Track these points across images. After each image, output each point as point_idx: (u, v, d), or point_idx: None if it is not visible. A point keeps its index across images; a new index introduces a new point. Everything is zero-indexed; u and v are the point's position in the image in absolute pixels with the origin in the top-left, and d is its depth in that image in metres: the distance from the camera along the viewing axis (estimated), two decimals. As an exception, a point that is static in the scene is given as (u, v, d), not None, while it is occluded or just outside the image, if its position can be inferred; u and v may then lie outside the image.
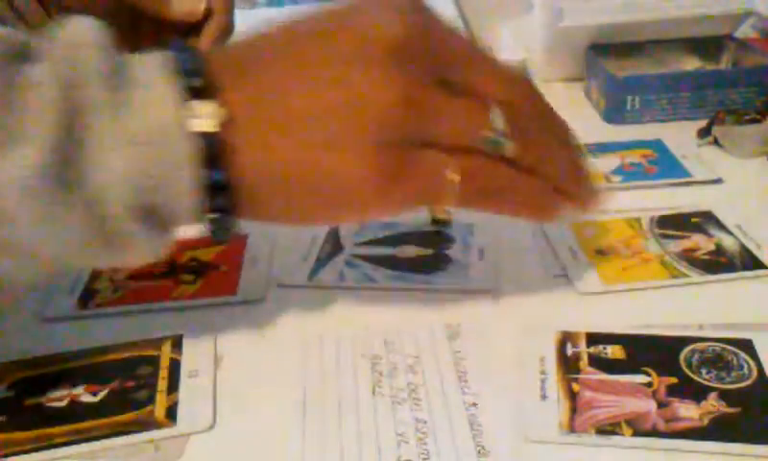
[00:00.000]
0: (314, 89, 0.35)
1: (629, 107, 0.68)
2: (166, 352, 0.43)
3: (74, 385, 0.41)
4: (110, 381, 0.41)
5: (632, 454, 0.35)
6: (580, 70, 0.76)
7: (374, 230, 0.54)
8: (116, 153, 0.33)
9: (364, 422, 0.37)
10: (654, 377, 0.38)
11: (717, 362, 0.39)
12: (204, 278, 0.50)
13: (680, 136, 0.64)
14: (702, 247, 0.49)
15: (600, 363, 0.39)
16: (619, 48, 0.74)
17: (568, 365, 0.40)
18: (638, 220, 0.52)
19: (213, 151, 0.34)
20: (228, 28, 0.56)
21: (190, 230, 0.37)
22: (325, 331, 0.43)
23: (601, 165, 0.60)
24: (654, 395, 0.37)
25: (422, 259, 0.50)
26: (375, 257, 0.51)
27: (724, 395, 0.37)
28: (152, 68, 0.34)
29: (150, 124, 0.33)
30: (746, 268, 0.46)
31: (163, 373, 0.41)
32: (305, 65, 0.36)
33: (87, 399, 0.40)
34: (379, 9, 0.36)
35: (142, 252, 0.35)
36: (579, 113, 0.71)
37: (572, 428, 0.36)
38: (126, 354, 0.43)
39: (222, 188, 0.34)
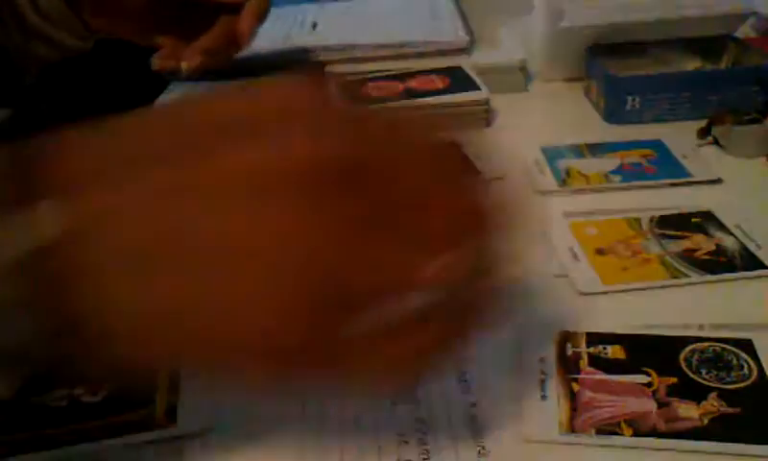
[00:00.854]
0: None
1: (629, 107, 0.68)
2: (166, 352, 0.43)
3: (74, 385, 0.41)
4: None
5: (632, 454, 0.35)
6: (580, 70, 0.76)
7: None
8: None
9: (364, 422, 0.37)
10: (654, 377, 0.38)
11: (717, 362, 0.39)
12: (205, 278, 0.50)
13: (680, 136, 0.64)
14: (702, 247, 0.49)
15: (600, 363, 0.39)
16: (619, 48, 0.74)
17: (568, 365, 0.40)
18: (638, 220, 0.52)
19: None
20: (266, 7, 0.54)
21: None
22: (325, 331, 0.43)
23: (601, 165, 0.60)
24: (654, 395, 0.37)
25: (422, 259, 0.50)
26: (375, 257, 0.50)
27: (724, 395, 0.37)
28: None
29: None
30: (746, 268, 0.46)
31: (163, 373, 0.41)
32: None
33: (87, 399, 0.40)
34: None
35: None
36: (579, 113, 0.72)
37: (572, 428, 0.36)
38: (126, 354, 0.43)
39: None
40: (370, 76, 0.76)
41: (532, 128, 0.72)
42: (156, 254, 0.26)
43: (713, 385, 0.37)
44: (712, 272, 0.46)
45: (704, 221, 0.51)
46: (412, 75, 0.75)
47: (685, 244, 0.49)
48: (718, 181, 0.57)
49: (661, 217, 0.52)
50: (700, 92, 0.67)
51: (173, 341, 0.28)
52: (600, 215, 0.53)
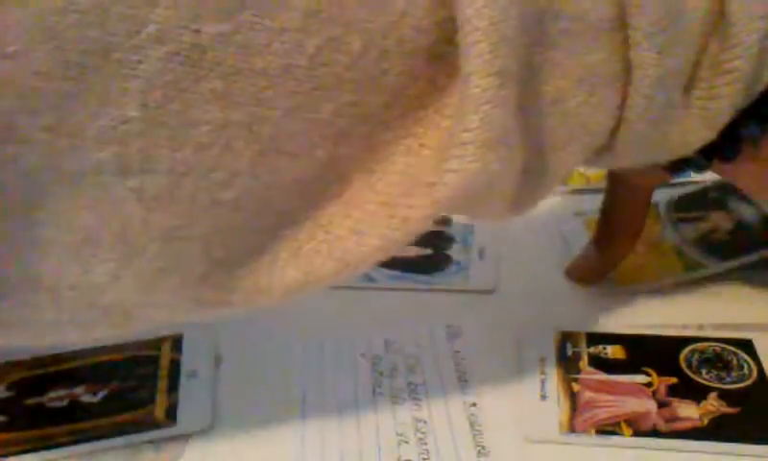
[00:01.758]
0: None
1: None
2: (166, 352, 0.43)
3: (74, 385, 0.41)
4: (110, 381, 0.41)
5: (632, 454, 0.35)
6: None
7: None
8: None
9: (364, 422, 0.37)
10: (654, 377, 0.38)
11: (717, 362, 0.39)
12: (204, 278, 0.50)
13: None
14: (721, 226, 0.48)
15: (600, 363, 0.39)
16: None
17: (568, 365, 0.40)
18: (656, 205, 0.51)
19: None
20: None
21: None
22: (325, 331, 0.43)
23: (601, 165, 0.60)
24: (654, 395, 0.37)
25: (422, 259, 0.50)
26: (375, 257, 0.50)
27: (724, 395, 0.37)
28: None
29: None
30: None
31: (163, 373, 0.41)
32: None
33: (87, 399, 0.40)
34: None
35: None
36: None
37: (572, 428, 0.36)
38: (126, 354, 0.43)
39: None
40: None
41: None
42: None
43: (713, 385, 0.37)
44: (731, 257, 0.46)
45: (722, 194, 0.51)
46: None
47: (703, 228, 0.49)
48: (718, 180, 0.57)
49: (679, 198, 0.51)
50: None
51: None
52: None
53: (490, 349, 0.41)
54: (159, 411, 0.38)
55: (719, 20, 0.31)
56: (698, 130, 0.32)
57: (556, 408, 0.37)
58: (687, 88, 0.32)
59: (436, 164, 0.29)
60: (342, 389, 0.39)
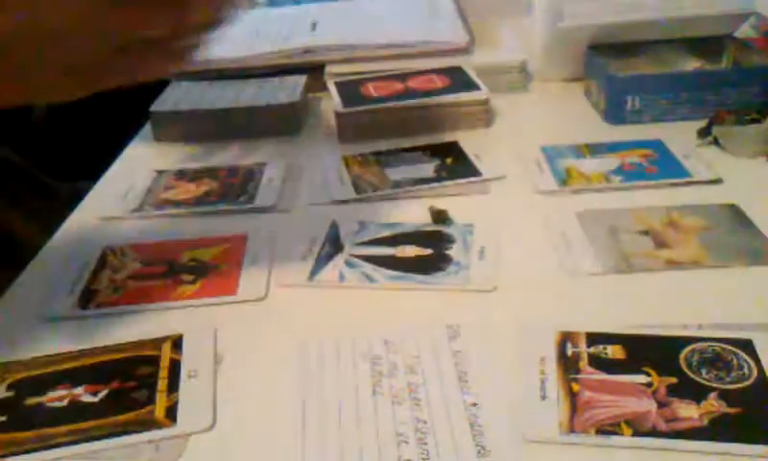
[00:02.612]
0: None
1: (629, 107, 0.68)
2: (166, 352, 0.43)
3: (74, 385, 0.41)
4: (110, 381, 0.41)
5: (632, 454, 0.35)
6: (580, 70, 0.76)
7: (374, 231, 0.54)
8: None
9: (364, 422, 0.37)
10: (654, 377, 0.38)
11: (717, 362, 0.39)
12: (204, 278, 0.50)
13: (680, 136, 0.64)
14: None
15: (600, 363, 0.39)
16: (619, 48, 0.74)
17: (568, 365, 0.40)
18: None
19: None
20: None
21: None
22: (325, 331, 0.43)
23: (601, 165, 0.60)
24: (654, 395, 0.37)
25: (422, 259, 0.50)
26: (375, 257, 0.51)
27: (724, 395, 0.37)
28: None
29: None
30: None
31: (163, 373, 0.41)
32: None
33: (87, 399, 0.40)
34: None
35: None
36: (579, 113, 0.72)
37: (572, 428, 0.36)
38: (126, 354, 0.43)
39: None
40: (370, 76, 0.76)
41: (532, 128, 0.72)
42: None
43: (713, 385, 0.37)
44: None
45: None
46: (412, 75, 0.75)
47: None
48: (718, 181, 0.57)
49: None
50: (700, 92, 0.67)
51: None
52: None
53: (490, 349, 0.41)
54: (159, 411, 0.38)
55: None
56: None
57: (556, 408, 0.37)
58: None
59: None
60: (342, 389, 0.39)
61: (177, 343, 0.43)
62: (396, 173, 0.62)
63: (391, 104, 0.69)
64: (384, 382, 0.39)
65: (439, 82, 0.73)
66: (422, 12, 0.90)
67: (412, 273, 0.49)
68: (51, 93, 0.45)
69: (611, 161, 0.61)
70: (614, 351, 0.40)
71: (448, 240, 0.52)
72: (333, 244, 0.52)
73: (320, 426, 0.37)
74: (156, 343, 0.43)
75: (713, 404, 0.36)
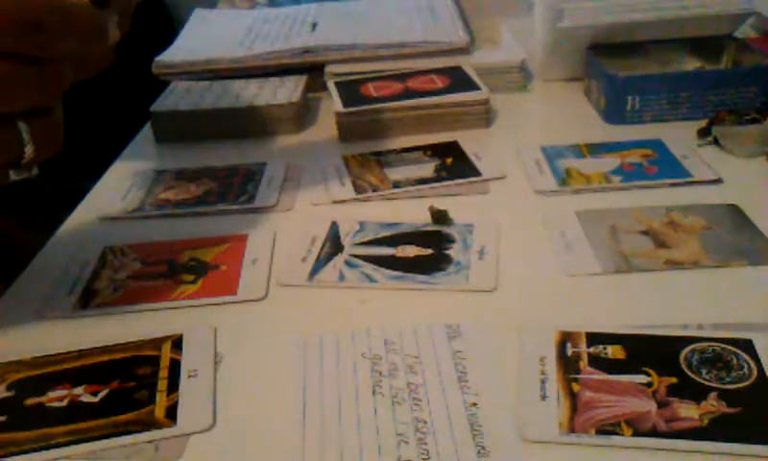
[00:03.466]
0: None
1: (629, 107, 0.68)
2: (166, 352, 0.43)
3: (74, 385, 0.41)
4: (110, 381, 0.41)
5: (632, 454, 0.35)
6: (580, 70, 0.76)
7: (374, 230, 0.54)
8: None
9: (364, 422, 0.37)
10: (654, 377, 0.38)
11: (717, 362, 0.39)
12: (204, 278, 0.50)
13: (680, 136, 0.64)
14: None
15: (600, 363, 0.39)
16: (619, 48, 0.74)
17: (568, 365, 0.40)
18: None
19: None
20: None
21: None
22: (325, 331, 0.43)
23: (601, 165, 0.60)
24: (654, 395, 0.37)
25: (422, 259, 0.50)
26: (375, 257, 0.51)
27: (724, 395, 0.37)
28: None
29: None
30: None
31: (163, 373, 0.41)
32: None
33: (87, 399, 0.40)
34: None
35: None
36: (579, 113, 0.72)
37: (572, 428, 0.36)
38: (126, 354, 0.43)
39: None
40: (370, 76, 0.76)
41: (532, 128, 0.72)
42: None
43: (713, 385, 0.37)
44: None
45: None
46: (412, 75, 0.75)
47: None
48: (718, 181, 0.57)
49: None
50: (700, 92, 0.67)
51: None
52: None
53: (490, 349, 0.41)
54: (159, 411, 0.38)
55: None
56: None
57: (556, 408, 0.37)
58: None
59: None
60: (342, 389, 0.39)
61: (177, 343, 0.43)
62: (395, 173, 0.62)
63: (391, 104, 0.69)
64: (384, 382, 0.39)
65: (439, 82, 0.73)
66: (422, 12, 0.90)
67: (412, 273, 0.49)
68: None
69: (610, 161, 0.61)
70: (614, 352, 0.40)
71: (448, 240, 0.52)
72: (333, 244, 0.52)
73: (320, 426, 0.37)
74: (156, 343, 0.43)
75: (713, 404, 0.36)
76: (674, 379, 0.38)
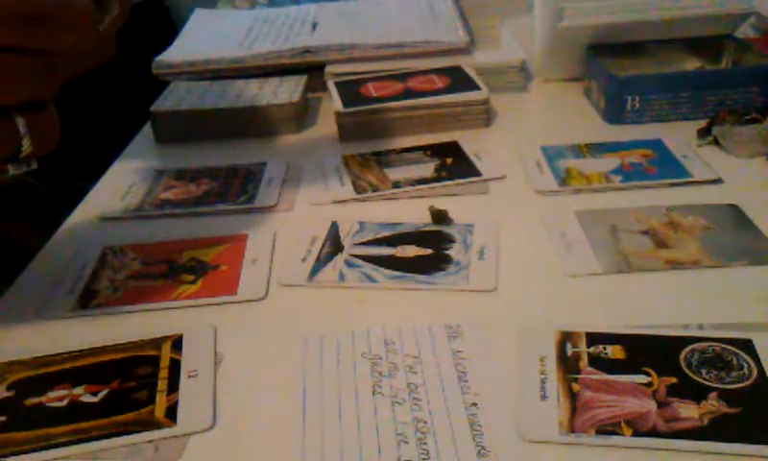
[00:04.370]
0: None
1: (629, 107, 0.68)
2: (166, 352, 0.43)
3: (74, 385, 0.41)
4: (110, 381, 0.41)
5: (632, 454, 0.35)
6: (580, 70, 0.76)
7: (374, 231, 0.54)
8: None
9: (364, 422, 0.37)
10: (654, 377, 0.38)
11: (717, 362, 0.39)
12: (204, 278, 0.50)
13: (680, 136, 0.64)
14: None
15: (600, 363, 0.39)
16: (619, 48, 0.74)
17: (568, 365, 0.40)
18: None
19: None
20: None
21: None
22: (325, 331, 0.43)
23: (601, 165, 0.60)
24: (654, 395, 0.37)
25: (422, 259, 0.50)
26: (375, 257, 0.51)
27: (724, 395, 0.37)
28: None
29: None
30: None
31: (163, 373, 0.41)
32: None
33: (87, 399, 0.40)
34: None
35: None
36: (579, 113, 0.72)
37: (572, 428, 0.36)
38: (126, 354, 0.43)
39: None
40: (370, 76, 0.76)
41: (532, 128, 0.72)
42: None
43: (713, 385, 0.37)
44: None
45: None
46: (412, 75, 0.75)
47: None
48: (718, 181, 0.57)
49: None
50: (700, 92, 0.67)
51: None
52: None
53: (490, 349, 0.41)
54: (159, 411, 0.38)
55: None
56: None
57: (556, 408, 0.37)
58: None
59: None
60: (342, 389, 0.39)
61: (177, 343, 0.43)
62: (395, 173, 0.62)
63: (391, 104, 0.69)
64: (384, 382, 0.39)
65: (439, 82, 0.73)
66: (422, 12, 0.90)
67: (412, 273, 0.49)
68: None
69: (610, 161, 0.61)
70: (614, 352, 0.40)
71: (448, 240, 0.52)
72: (333, 244, 0.52)
73: (320, 426, 0.37)
74: (156, 343, 0.43)
75: (713, 404, 0.36)
76: (674, 379, 0.38)
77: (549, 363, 0.40)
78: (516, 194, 0.58)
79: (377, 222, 0.55)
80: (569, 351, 0.40)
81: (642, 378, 0.38)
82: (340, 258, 0.51)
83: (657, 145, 0.63)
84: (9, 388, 0.41)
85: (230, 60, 0.80)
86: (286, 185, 0.62)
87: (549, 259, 0.49)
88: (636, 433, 0.35)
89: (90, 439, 0.37)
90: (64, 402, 0.40)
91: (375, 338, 0.43)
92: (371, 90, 0.72)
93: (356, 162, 0.64)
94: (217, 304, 0.47)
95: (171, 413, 0.38)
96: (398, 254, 0.51)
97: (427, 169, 0.62)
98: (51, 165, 0.44)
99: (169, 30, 1.03)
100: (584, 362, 0.40)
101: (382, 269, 0.49)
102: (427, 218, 0.55)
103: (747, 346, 0.40)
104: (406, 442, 0.36)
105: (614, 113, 0.68)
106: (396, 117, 0.69)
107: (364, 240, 0.53)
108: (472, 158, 0.63)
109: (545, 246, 0.51)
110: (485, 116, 0.70)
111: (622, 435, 0.35)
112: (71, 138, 0.45)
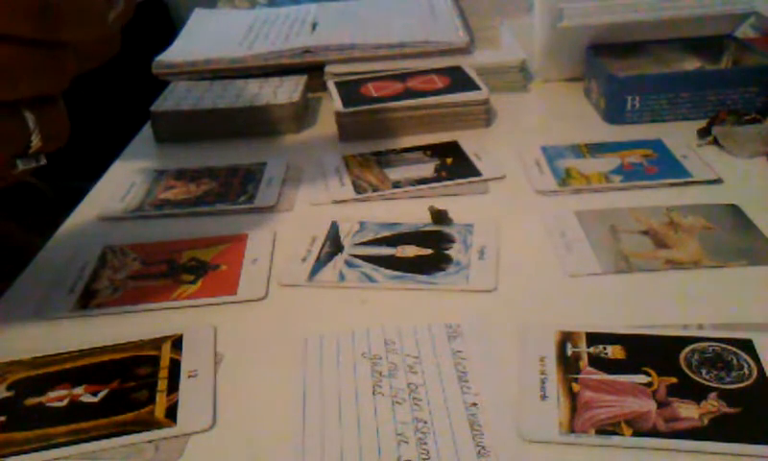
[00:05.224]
0: None
1: (629, 107, 0.68)
2: (166, 352, 0.43)
3: (74, 385, 0.41)
4: (110, 381, 0.41)
5: (632, 454, 0.35)
6: (580, 70, 0.76)
7: (374, 230, 0.54)
8: None
9: (364, 422, 0.37)
10: (654, 377, 0.38)
11: (717, 362, 0.39)
12: (204, 278, 0.50)
13: (680, 136, 0.64)
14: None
15: (600, 363, 0.39)
16: (619, 48, 0.74)
17: (568, 365, 0.40)
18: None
19: None
20: None
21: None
22: (325, 331, 0.43)
23: (601, 165, 0.60)
24: (654, 395, 0.37)
25: (422, 259, 0.50)
26: (375, 257, 0.51)
27: (724, 395, 0.37)
28: None
29: None
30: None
31: (163, 373, 0.41)
32: None
33: (87, 399, 0.40)
34: None
35: None
36: (579, 113, 0.72)
37: (572, 428, 0.36)
38: (126, 354, 0.43)
39: None
40: (370, 76, 0.76)
41: (532, 128, 0.72)
42: None
43: (713, 385, 0.37)
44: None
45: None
46: (412, 75, 0.75)
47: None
48: (718, 181, 0.57)
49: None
50: (700, 92, 0.67)
51: None
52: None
53: (490, 349, 0.41)
54: (159, 411, 0.38)
55: None
56: None
57: (556, 408, 0.37)
58: None
59: None
60: (342, 389, 0.39)
61: (177, 343, 0.43)
62: (395, 173, 0.62)
63: (391, 104, 0.69)
64: (384, 382, 0.39)
65: (439, 82, 0.73)
66: (422, 12, 0.90)
67: (412, 273, 0.49)
68: None
69: (610, 161, 0.61)
70: (614, 352, 0.40)
71: (448, 240, 0.52)
72: (333, 244, 0.52)
73: (320, 426, 0.37)
74: (156, 343, 0.43)
75: (713, 404, 0.36)
76: (674, 379, 0.38)
77: (549, 363, 0.40)
78: (515, 194, 0.58)
79: (377, 222, 0.55)
80: (569, 350, 0.40)
81: (642, 378, 0.38)
82: (340, 258, 0.51)
83: (657, 145, 0.63)
84: (8, 388, 0.41)
85: (230, 60, 0.80)
86: (286, 185, 0.62)
87: (549, 259, 0.49)
88: (637, 433, 0.35)
89: (90, 439, 0.37)
90: (64, 403, 0.40)
91: (375, 338, 0.43)
92: (371, 90, 0.72)
93: (356, 162, 0.64)
94: (217, 304, 0.47)
95: (171, 413, 0.38)
96: (398, 254, 0.51)
97: (427, 169, 0.62)
98: (51, 165, 0.44)
99: (169, 30, 1.03)
100: (584, 362, 0.40)
101: (382, 269, 0.49)
102: (427, 218, 0.55)
103: (747, 346, 0.40)
104: (406, 442, 0.36)
105: (614, 113, 0.68)
106: (397, 117, 0.69)
107: (364, 240, 0.53)
108: (472, 158, 0.63)
109: (545, 246, 0.51)
110: (485, 116, 0.70)
111: (622, 435, 0.35)
112: (71, 138, 0.45)
